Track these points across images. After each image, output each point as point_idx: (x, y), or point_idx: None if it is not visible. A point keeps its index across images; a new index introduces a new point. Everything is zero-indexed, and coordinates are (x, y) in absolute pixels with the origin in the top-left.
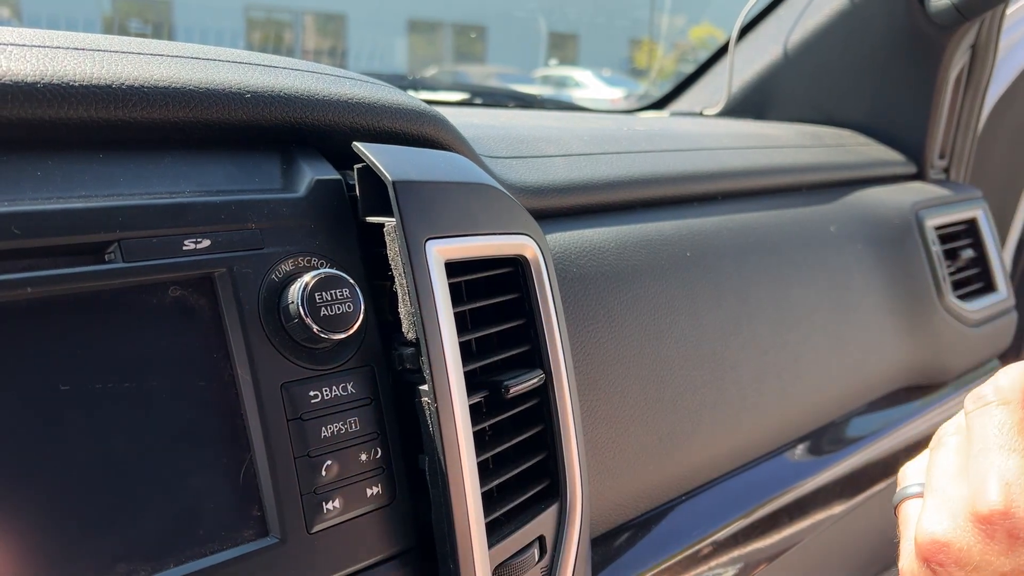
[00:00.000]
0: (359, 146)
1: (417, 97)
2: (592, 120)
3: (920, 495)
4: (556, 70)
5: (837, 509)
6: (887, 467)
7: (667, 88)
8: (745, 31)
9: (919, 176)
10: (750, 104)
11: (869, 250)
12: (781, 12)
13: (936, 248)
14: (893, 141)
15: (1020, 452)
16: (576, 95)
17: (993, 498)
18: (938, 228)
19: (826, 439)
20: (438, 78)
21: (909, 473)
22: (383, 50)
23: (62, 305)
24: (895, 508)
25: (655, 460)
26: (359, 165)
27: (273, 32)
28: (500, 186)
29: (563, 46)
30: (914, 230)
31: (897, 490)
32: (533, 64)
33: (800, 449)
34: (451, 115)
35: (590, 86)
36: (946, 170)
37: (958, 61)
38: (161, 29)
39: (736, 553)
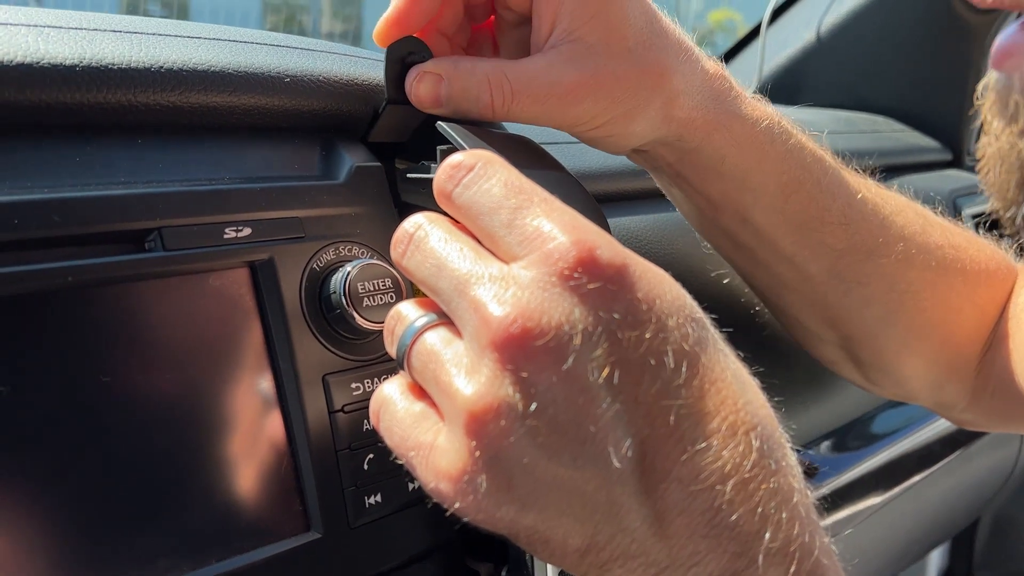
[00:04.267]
0: (443, 125)
1: None
2: None
3: (443, 320)
4: None
5: (871, 502)
6: (921, 460)
7: None
8: (776, 15)
9: (955, 163)
10: (782, 89)
11: None
12: None
13: None
14: (928, 127)
15: (546, 199)
16: None
17: (565, 242)
18: (975, 216)
19: (859, 432)
20: None
21: (404, 313)
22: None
23: (102, 294)
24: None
25: None
26: (443, 147)
27: (289, 14)
28: (572, 175)
29: None
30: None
31: (395, 342)
32: None
33: (832, 443)
34: None
35: None
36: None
37: None
38: (178, 10)
39: None
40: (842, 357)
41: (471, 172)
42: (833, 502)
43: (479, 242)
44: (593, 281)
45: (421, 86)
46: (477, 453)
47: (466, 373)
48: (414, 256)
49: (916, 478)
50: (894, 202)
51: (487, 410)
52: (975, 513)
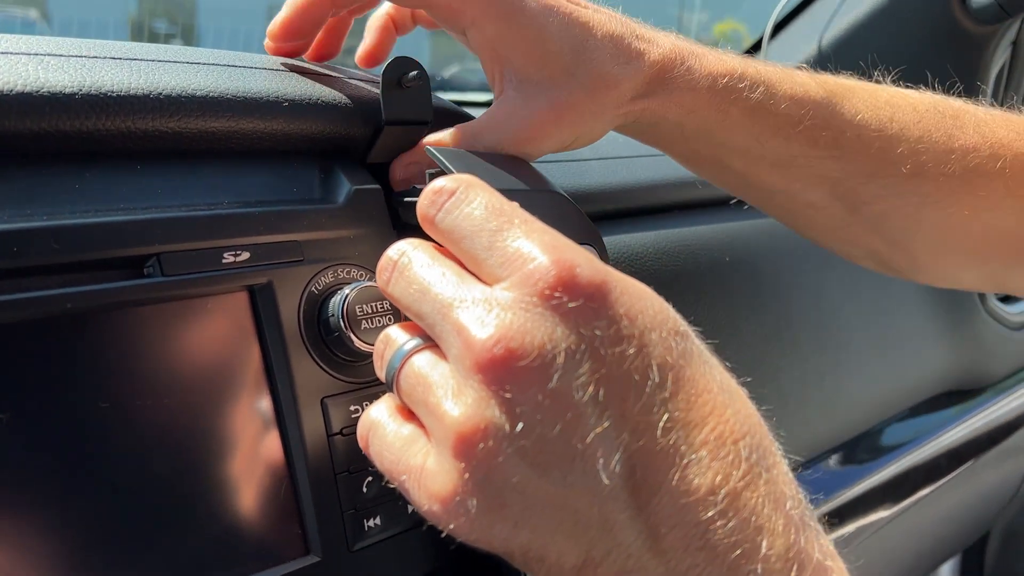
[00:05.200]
0: (432, 150)
1: (444, 99)
2: None
3: (431, 344)
4: None
5: (879, 516)
6: (930, 473)
7: None
8: (778, 28)
9: None
10: None
11: None
12: (815, 9)
13: None
14: None
15: (527, 220)
16: None
17: (545, 262)
18: None
19: (867, 445)
20: (463, 77)
21: (393, 337)
22: (406, 50)
23: (101, 320)
24: (394, 387)
25: None
26: (432, 170)
27: None
28: (564, 194)
29: None
30: None
31: (384, 366)
32: None
33: (841, 456)
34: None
35: None
36: None
37: (999, 58)
38: (185, 31)
39: None
40: (880, 264)
41: (452, 197)
42: (841, 516)
43: (463, 266)
44: (574, 300)
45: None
46: (466, 475)
47: (453, 395)
48: (398, 283)
49: (924, 491)
50: (910, 113)
51: (474, 431)
52: (984, 527)
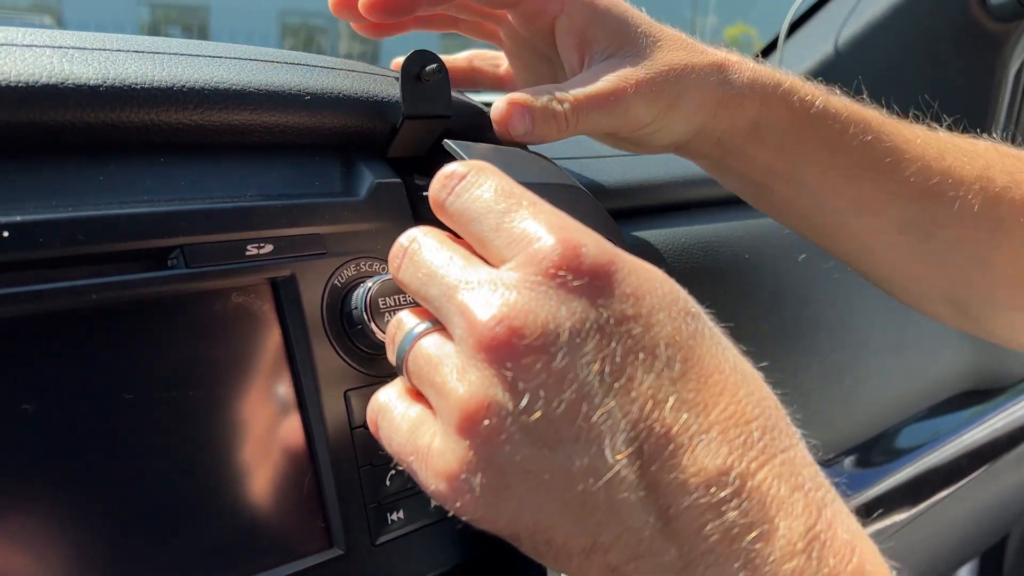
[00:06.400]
0: (449, 143)
1: (463, 93)
2: None
3: (436, 328)
4: None
5: (897, 518)
6: (948, 475)
7: None
8: (793, 29)
9: None
10: None
11: None
12: (831, 8)
13: None
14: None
15: (535, 202)
16: None
17: (551, 242)
18: None
19: (885, 446)
20: None
21: (404, 320)
22: (416, 47)
23: (125, 312)
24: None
25: None
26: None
27: (308, 37)
28: (582, 187)
29: None
30: None
31: (395, 349)
32: None
33: (859, 456)
34: None
35: None
36: None
37: (1018, 56)
38: (198, 34)
39: None
40: (953, 312)
41: (463, 180)
42: (859, 517)
43: (473, 250)
44: (579, 278)
45: (515, 118)
46: (471, 453)
47: (458, 374)
48: (408, 268)
49: (943, 493)
50: (971, 145)
51: (478, 409)
52: (1003, 529)
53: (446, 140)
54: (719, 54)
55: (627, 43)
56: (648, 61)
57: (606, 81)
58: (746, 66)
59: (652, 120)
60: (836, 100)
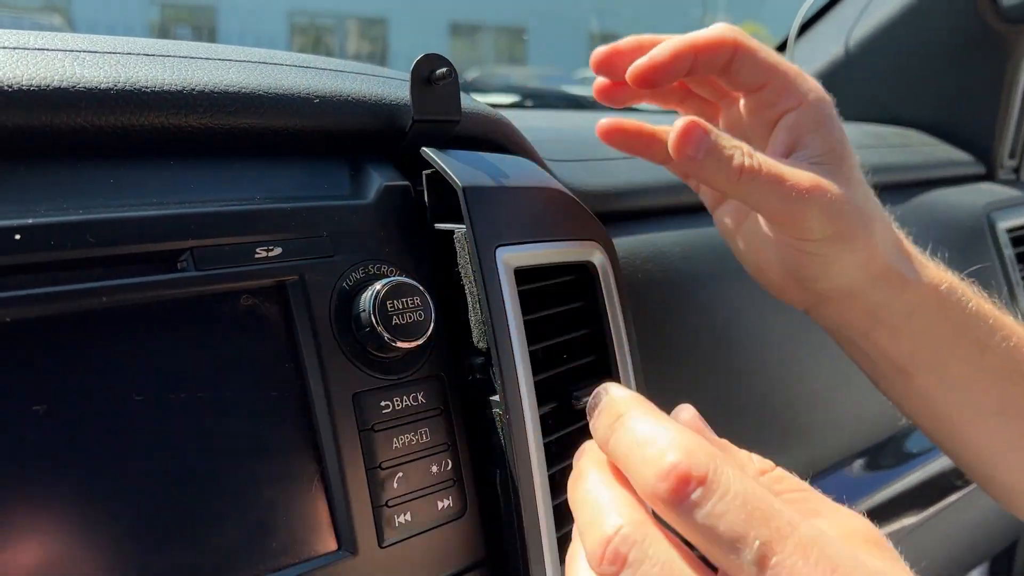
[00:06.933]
0: (428, 151)
1: (473, 99)
2: (651, 121)
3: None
4: None
5: (906, 522)
6: (957, 479)
7: None
8: (803, 29)
9: (988, 177)
10: None
11: (938, 254)
12: (841, 9)
13: (1009, 252)
14: (960, 141)
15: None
16: None
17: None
18: (1011, 231)
19: (894, 450)
20: (485, 80)
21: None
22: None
23: (135, 314)
24: None
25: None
26: (428, 171)
27: (316, 37)
28: (568, 191)
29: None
30: (986, 233)
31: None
32: (573, 65)
33: (868, 460)
34: (508, 118)
35: None
36: (1016, 170)
37: None
38: (207, 34)
39: None
40: None
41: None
42: (873, 519)
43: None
44: None
45: (691, 137)
46: None
47: None
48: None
49: (952, 497)
50: None
51: None
52: (1013, 534)
53: (424, 148)
54: (900, 233)
55: (836, 160)
56: (848, 188)
57: (803, 174)
58: (917, 258)
59: (821, 238)
60: (985, 303)
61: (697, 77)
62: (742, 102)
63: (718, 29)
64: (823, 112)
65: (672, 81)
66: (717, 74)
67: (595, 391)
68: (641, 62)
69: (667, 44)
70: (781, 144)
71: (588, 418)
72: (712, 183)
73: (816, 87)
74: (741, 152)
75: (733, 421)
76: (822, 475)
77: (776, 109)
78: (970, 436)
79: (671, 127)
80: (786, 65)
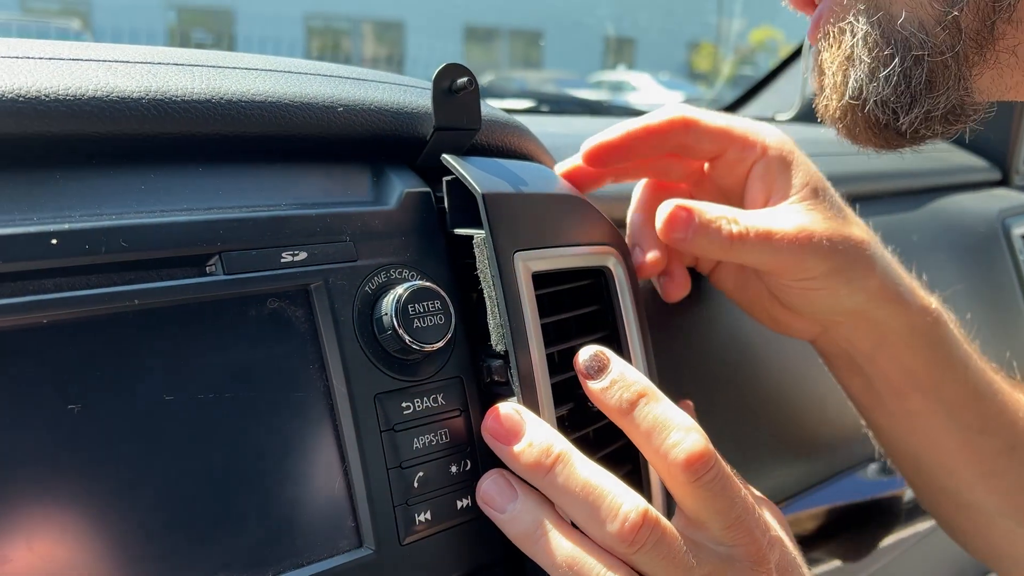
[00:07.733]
0: (448, 158)
1: (492, 106)
2: None
3: None
4: (613, 74)
5: (920, 528)
6: None
7: (736, 92)
8: None
9: (1003, 183)
10: None
11: (952, 260)
12: None
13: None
14: (975, 146)
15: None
16: (632, 99)
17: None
18: None
19: None
20: (499, 85)
21: None
22: (441, 57)
23: (166, 317)
24: None
25: (739, 475)
26: (448, 177)
27: (332, 40)
28: (585, 197)
29: (620, 50)
30: (1000, 239)
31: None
32: (588, 69)
33: (881, 465)
34: (524, 123)
35: (646, 89)
36: None
37: None
38: (224, 38)
39: (823, 569)
40: None
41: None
42: (883, 527)
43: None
44: None
45: (677, 222)
46: None
47: None
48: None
49: None
50: None
51: None
52: None
53: (444, 155)
54: (887, 252)
55: (812, 195)
56: (833, 218)
57: (789, 223)
58: (907, 277)
59: (820, 274)
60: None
61: (662, 156)
62: (707, 166)
63: (668, 109)
64: (786, 154)
65: (625, 160)
66: (681, 153)
67: (594, 353)
68: (592, 141)
69: (620, 125)
70: (758, 193)
71: (581, 376)
72: (706, 255)
73: (772, 131)
74: (727, 220)
75: (749, 425)
76: (833, 480)
77: (744, 165)
78: (955, 460)
79: (658, 208)
80: (738, 123)
